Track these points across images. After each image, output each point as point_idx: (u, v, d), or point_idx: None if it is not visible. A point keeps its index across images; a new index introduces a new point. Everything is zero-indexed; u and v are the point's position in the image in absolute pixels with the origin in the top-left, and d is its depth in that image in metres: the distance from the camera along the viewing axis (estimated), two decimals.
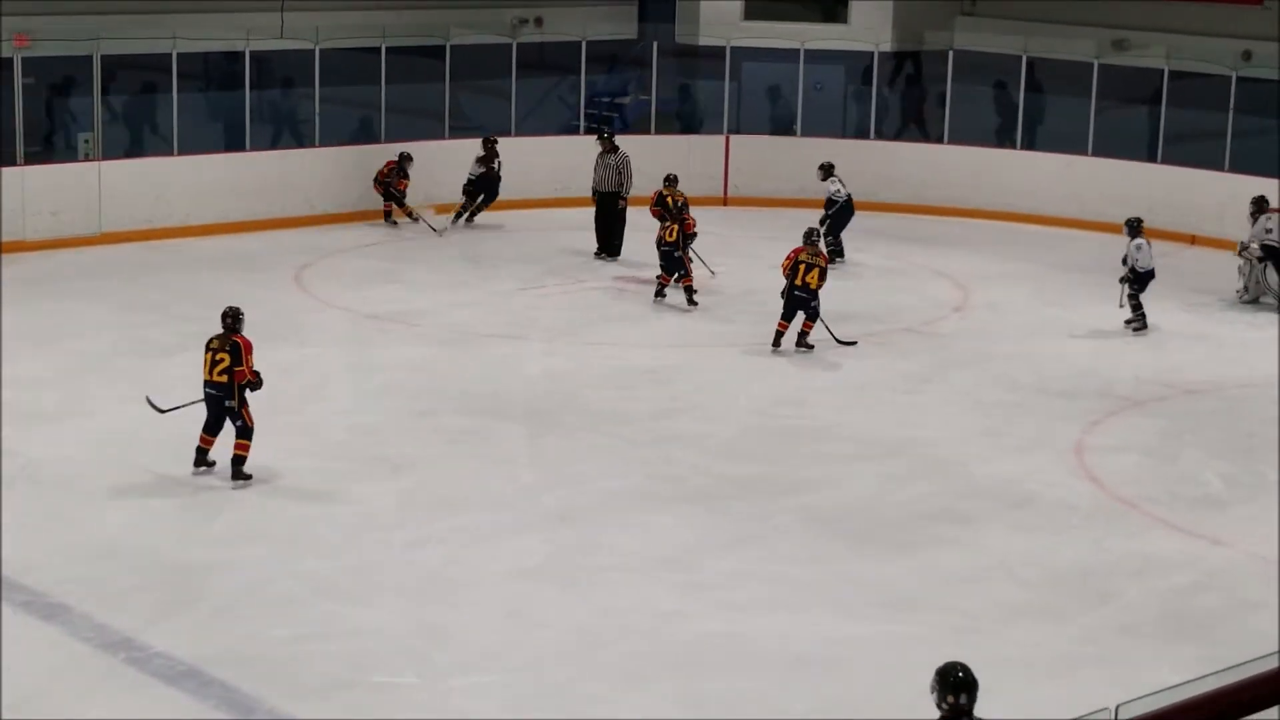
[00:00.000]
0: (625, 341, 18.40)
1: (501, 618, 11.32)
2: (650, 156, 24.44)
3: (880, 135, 26.72)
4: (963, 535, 13.12)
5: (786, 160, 25.76)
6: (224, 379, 13.36)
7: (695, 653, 10.92)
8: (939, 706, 7.67)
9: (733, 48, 26.50)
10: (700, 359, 17.86)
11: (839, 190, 22.27)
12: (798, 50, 26.32)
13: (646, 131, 26.27)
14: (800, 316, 17.96)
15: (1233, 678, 3.25)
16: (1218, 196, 23.51)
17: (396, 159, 23.53)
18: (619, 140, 23.03)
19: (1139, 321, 19.13)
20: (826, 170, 22.42)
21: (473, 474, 14.13)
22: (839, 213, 22.23)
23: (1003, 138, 26.23)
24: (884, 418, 16.02)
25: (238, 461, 13.45)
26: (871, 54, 26.42)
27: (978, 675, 7.78)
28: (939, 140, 26.22)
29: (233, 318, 13.51)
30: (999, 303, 20.63)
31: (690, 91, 28.57)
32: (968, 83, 26.46)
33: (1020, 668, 10.61)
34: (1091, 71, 25.25)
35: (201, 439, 13.61)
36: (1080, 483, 14.36)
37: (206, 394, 13.53)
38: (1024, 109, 26.07)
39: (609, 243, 22.35)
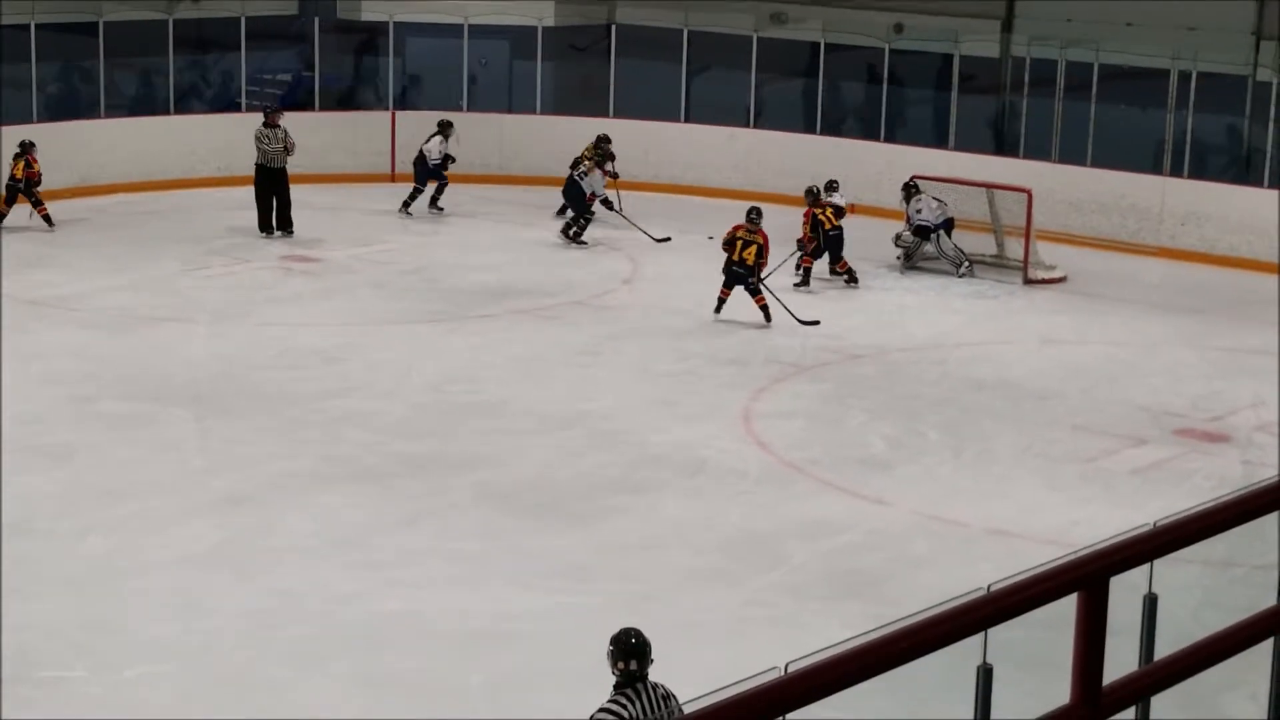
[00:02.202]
0: (293, 321, 18.10)
1: (173, 605, 11.04)
2: (315, 133, 24.14)
3: (546, 110, 26.78)
4: (637, 504, 13.25)
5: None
6: None
7: (373, 632, 10.81)
8: (614, 672, 7.75)
9: (396, 23, 26.27)
10: (370, 338, 17.67)
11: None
12: (461, 25, 26.21)
13: (311, 108, 25.87)
14: (744, 294, 18.33)
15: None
16: (875, 165, 24.17)
17: (19, 146, 21.43)
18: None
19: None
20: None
21: (138, 460, 13.74)
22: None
23: (668, 111, 26.51)
24: (556, 391, 16.07)
25: None
26: (536, 29, 26.46)
27: (653, 641, 7.87)
28: (605, 114, 26.38)
29: None
30: (667, 274, 20.87)
31: (354, 67, 28.23)
32: (631, 57, 26.69)
33: (694, 632, 10.75)
34: (751, 45, 25.71)
35: None
36: (750, 448, 14.62)
37: None
38: (687, 83, 26.43)
39: (283, 218, 21.91)
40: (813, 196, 20.40)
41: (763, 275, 18.51)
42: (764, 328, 18.26)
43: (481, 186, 25.10)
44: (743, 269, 18.35)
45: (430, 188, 23.52)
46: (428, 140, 23.49)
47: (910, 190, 21.37)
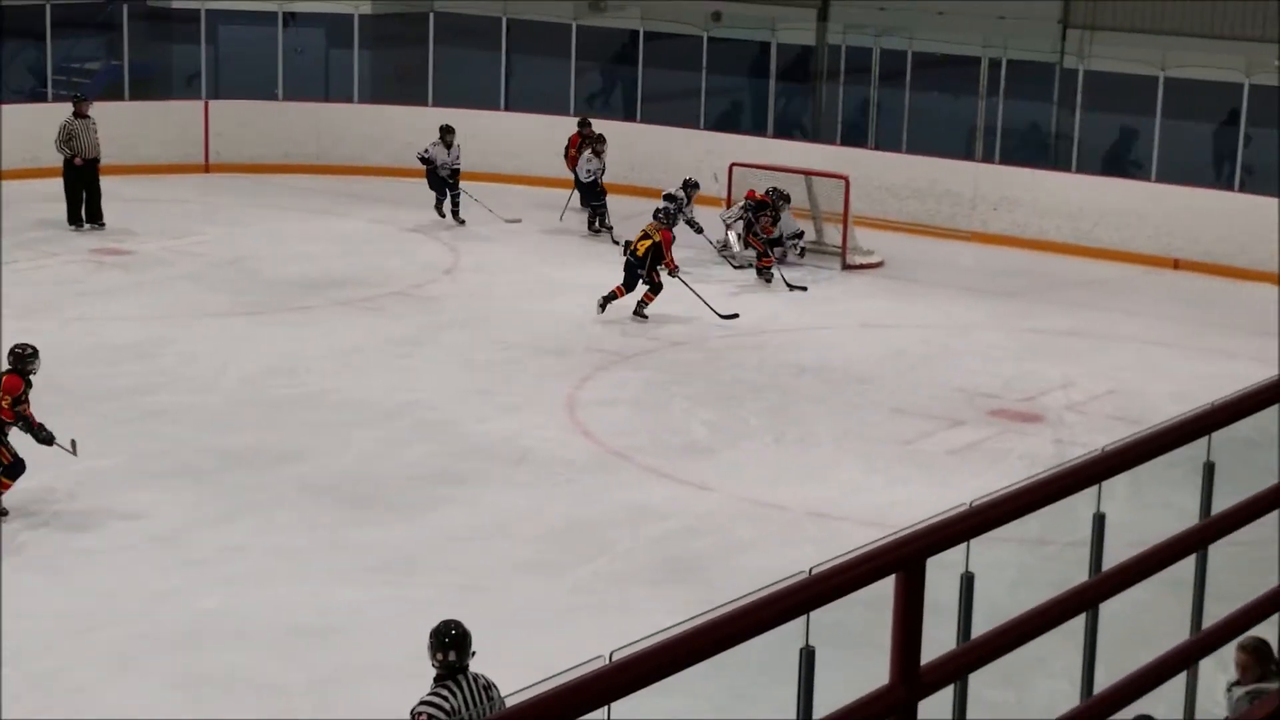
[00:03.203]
0: (105, 316, 17.74)
1: None
2: (126, 123, 23.69)
3: (364, 98, 26.54)
4: (461, 495, 13.19)
5: (269, 125, 25.33)
6: None
7: (191, 631, 10.65)
8: (434, 664, 7.74)
9: (208, 11, 25.84)
10: (185, 331, 17.37)
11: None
12: (276, 13, 25.88)
13: (121, 98, 25.37)
14: (643, 287, 18.33)
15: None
16: (695, 153, 24.25)
17: None
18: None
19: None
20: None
21: None
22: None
23: (488, 99, 26.41)
24: (378, 382, 15.93)
25: None
26: (352, 16, 26.21)
27: (479, 632, 7.85)
28: (424, 102, 26.20)
29: (15, 356, 12.25)
30: (489, 263, 20.79)
31: (165, 56, 27.74)
32: (452, 45, 26.53)
33: (520, 622, 10.73)
34: (570, 32, 25.70)
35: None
36: (574, 437, 14.62)
37: None
38: (506, 71, 26.35)
39: (94, 210, 21.46)
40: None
41: (673, 271, 18.48)
42: (588, 317, 18.22)
43: (298, 176, 24.82)
44: (633, 259, 18.40)
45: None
46: (432, 148, 22.40)
47: (783, 201, 20.89)
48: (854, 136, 24.83)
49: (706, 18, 25.52)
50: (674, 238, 18.77)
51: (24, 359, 12.31)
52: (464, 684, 7.69)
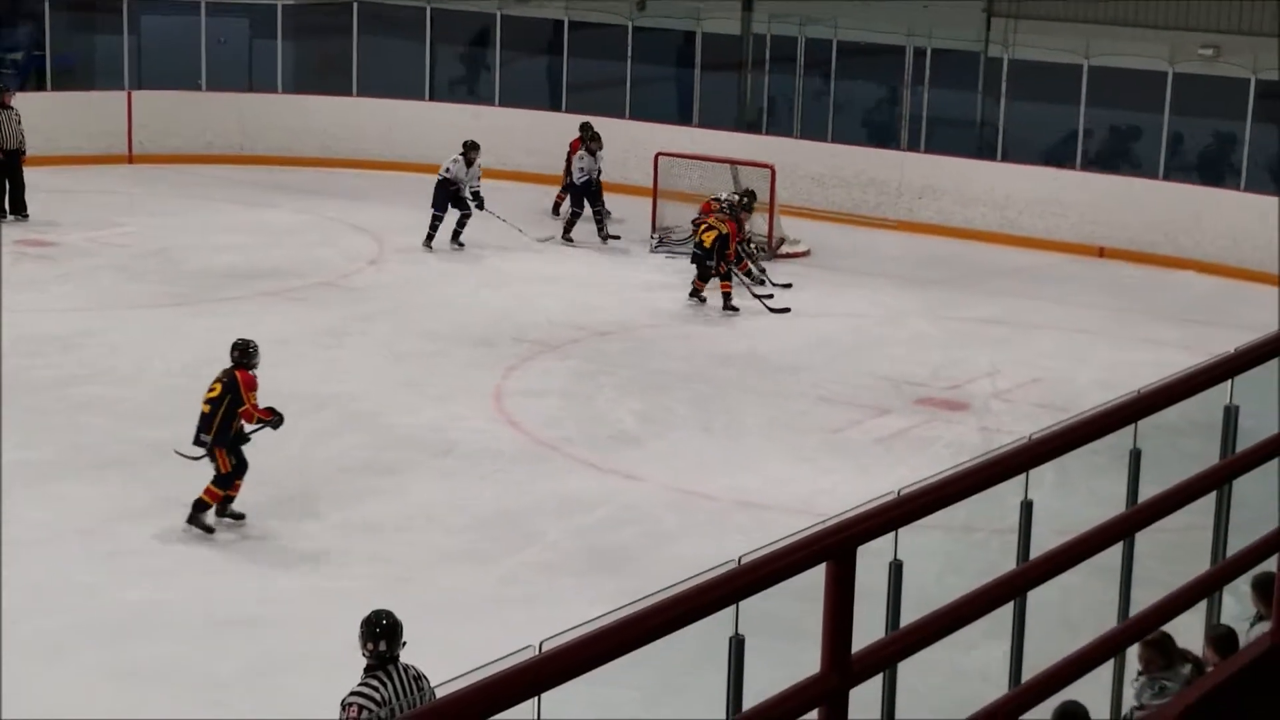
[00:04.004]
0: (30, 307, 17.55)
1: None
2: (49, 114, 23.46)
3: (287, 89, 26.38)
4: (389, 485, 13.16)
5: (192, 116, 25.14)
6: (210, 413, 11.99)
7: (120, 622, 10.61)
8: (364, 654, 7.72)
9: (130, 0, 25.62)
10: (111, 322, 17.24)
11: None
12: (199, 3, 25.68)
13: (43, 88, 25.13)
14: (721, 279, 18.44)
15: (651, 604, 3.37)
16: (621, 143, 24.23)
17: None
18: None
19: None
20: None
21: None
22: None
23: (412, 89, 26.32)
24: (305, 373, 15.84)
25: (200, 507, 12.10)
26: (275, 6, 26.04)
27: (408, 622, 7.84)
28: (348, 92, 26.08)
29: (241, 351, 12.10)
30: (415, 254, 20.70)
31: (88, 46, 27.48)
32: (376, 35, 26.42)
33: (449, 612, 10.72)
34: (495, 22, 25.63)
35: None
36: (501, 427, 14.60)
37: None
38: (431, 61, 26.26)
39: (17, 201, 21.26)
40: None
41: (730, 265, 18.57)
42: (513, 307, 18.21)
43: (222, 166, 24.66)
44: (699, 251, 18.52)
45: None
46: (453, 165, 20.67)
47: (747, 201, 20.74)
48: (779, 125, 24.87)
49: (631, 7, 25.51)
50: (739, 228, 18.87)
51: (248, 353, 12.19)
52: (395, 674, 7.68)
